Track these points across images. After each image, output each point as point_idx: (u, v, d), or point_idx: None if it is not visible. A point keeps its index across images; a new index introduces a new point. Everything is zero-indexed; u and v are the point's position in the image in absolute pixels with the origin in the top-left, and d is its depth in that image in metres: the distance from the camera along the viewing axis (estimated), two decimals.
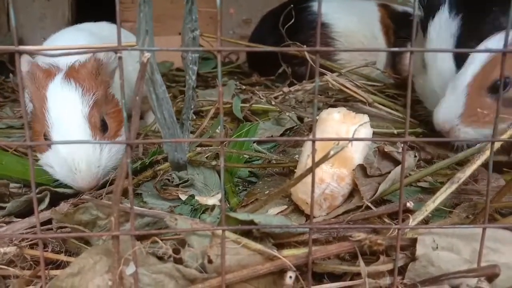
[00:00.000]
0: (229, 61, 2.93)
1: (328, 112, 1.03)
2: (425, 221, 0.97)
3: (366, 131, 1.01)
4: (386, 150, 1.00)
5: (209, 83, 2.59)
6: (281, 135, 1.67)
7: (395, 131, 1.54)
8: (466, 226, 0.91)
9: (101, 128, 1.26)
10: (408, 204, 0.88)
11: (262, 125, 1.74)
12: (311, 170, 0.76)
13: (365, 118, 1.03)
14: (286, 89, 1.87)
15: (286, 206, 1.12)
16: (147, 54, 0.76)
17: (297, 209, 1.09)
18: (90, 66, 1.30)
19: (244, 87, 2.19)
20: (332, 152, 0.81)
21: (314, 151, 0.74)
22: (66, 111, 1.21)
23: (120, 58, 0.72)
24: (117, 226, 0.74)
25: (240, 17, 2.93)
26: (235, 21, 2.96)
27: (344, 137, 0.98)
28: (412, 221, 0.88)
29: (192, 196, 1.17)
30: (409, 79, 0.69)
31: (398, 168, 0.98)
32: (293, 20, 2.16)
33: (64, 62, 1.33)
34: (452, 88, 1.28)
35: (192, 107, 0.97)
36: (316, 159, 0.80)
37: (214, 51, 0.71)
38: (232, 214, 0.85)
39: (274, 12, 2.44)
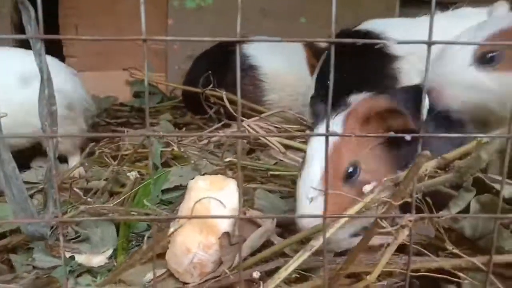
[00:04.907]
0: (174, 96, 2.97)
1: (195, 180, 1.06)
2: None
3: (230, 197, 1.04)
4: (247, 214, 1.04)
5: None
6: None
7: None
8: None
9: None
10: (254, 274, 0.91)
11: (179, 171, 1.76)
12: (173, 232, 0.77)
13: (232, 184, 1.06)
14: (205, 135, 1.91)
15: (164, 270, 1.13)
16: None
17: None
18: None
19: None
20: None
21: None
22: None
23: None
24: None
25: (184, 53, 2.98)
26: (179, 56, 3.01)
27: (207, 205, 1.02)
28: None
29: (72, 258, 1.18)
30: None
31: (254, 234, 1.01)
32: (223, 62, 2.22)
33: None
34: (304, 191, 1.16)
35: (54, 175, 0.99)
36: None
37: None
38: None
39: (208, 52, 2.50)
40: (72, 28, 2.91)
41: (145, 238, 1.00)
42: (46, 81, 0.83)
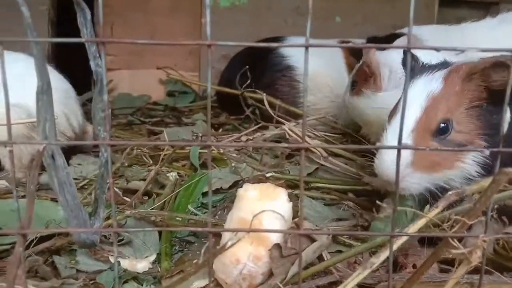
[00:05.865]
0: (206, 95, 2.95)
1: (245, 189, 1.03)
2: None
3: (282, 208, 1.00)
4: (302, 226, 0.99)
5: (181, 119, 2.60)
6: (234, 184, 1.66)
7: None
8: None
9: None
10: None
11: (218, 173, 1.73)
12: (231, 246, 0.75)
13: (283, 194, 1.02)
14: (244, 138, 1.88)
15: (212, 279, 1.10)
16: (41, 147, 0.77)
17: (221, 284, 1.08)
18: None
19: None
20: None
21: None
22: None
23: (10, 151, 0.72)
24: None
25: (220, 53, 2.95)
26: (214, 56, 2.98)
27: (259, 215, 0.98)
28: None
29: (118, 263, 1.16)
30: None
31: (309, 249, 0.97)
32: (260, 62, 2.18)
33: None
34: (393, 134, 1.15)
35: (107, 181, 0.97)
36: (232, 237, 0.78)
37: None
38: None
39: (244, 52, 2.46)
40: (107, 26, 2.92)
41: (202, 251, 0.96)
42: (104, 86, 0.80)
